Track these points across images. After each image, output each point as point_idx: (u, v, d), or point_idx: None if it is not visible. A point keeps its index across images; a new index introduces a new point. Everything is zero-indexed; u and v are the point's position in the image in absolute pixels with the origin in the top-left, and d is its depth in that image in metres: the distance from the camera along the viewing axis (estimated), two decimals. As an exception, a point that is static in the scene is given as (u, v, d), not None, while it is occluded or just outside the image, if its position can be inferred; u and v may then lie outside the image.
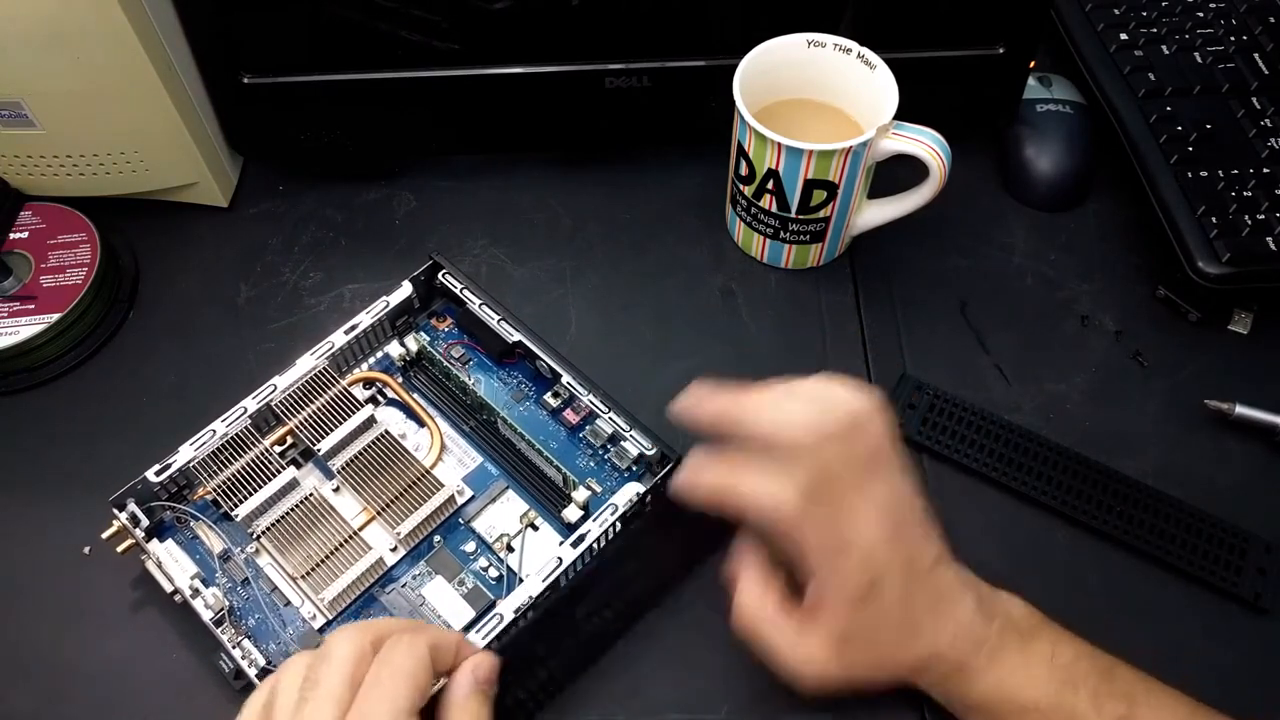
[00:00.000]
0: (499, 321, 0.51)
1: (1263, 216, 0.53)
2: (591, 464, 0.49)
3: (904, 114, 0.50)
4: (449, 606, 0.45)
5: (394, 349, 0.52)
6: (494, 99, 0.57)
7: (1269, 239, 0.52)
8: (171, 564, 0.45)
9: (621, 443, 0.48)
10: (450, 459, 0.49)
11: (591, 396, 0.48)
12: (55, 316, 0.52)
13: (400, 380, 0.52)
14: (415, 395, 0.51)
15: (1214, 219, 0.53)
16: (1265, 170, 0.55)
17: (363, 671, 0.35)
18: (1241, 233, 0.52)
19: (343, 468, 0.47)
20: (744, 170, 0.53)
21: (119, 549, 0.45)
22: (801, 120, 0.54)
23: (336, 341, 0.50)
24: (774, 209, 0.53)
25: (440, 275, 0.52)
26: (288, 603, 0.45)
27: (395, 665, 0.35)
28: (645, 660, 0.44)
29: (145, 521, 0.45)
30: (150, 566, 0.45)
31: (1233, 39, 0.61)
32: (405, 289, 0.52)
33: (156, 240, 0.58)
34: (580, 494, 0.47)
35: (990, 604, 0.40)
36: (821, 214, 0.53)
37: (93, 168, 0.55)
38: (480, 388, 0.51)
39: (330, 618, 0.44)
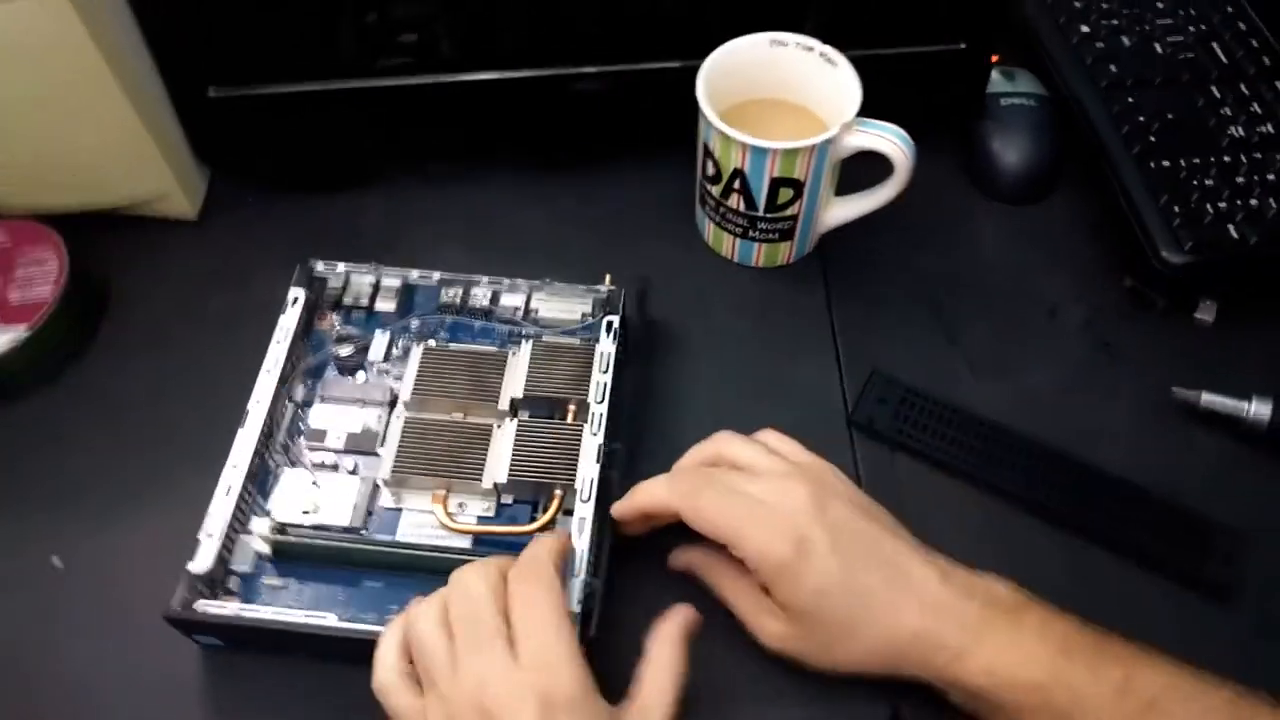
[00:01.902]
0: None
1: (1224, 205, 0.53)
2: None
3: (870, 111, 0.50)
4: None
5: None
6: (462, 106, 0.57)
7: (1230, 227, 0.53)
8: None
9: None
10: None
11: None
12: (23, 332, 0.52)
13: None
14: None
15: (1176, 208, 0.53)
16: (1225, 159, 0.55)
17: (504, 601, 0.37)
18: (1203, 221, 0.53)
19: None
20: (711, 170, 0.53)
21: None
22: (768, 120, 0.54)
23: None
24: (742, 208, 0.53)
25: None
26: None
27: (541, 587, 0.38)
28: (627, 655, 0.44)
29: None
30: None
31: (1192, 29, 0.62)
32: None
33: (126, 253, 0.58)
34: None
35: (967, 583, 0.40)
36: (789, 212, 0.53)
37: (59, 182, 0.54)
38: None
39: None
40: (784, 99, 0.55)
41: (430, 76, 0.55)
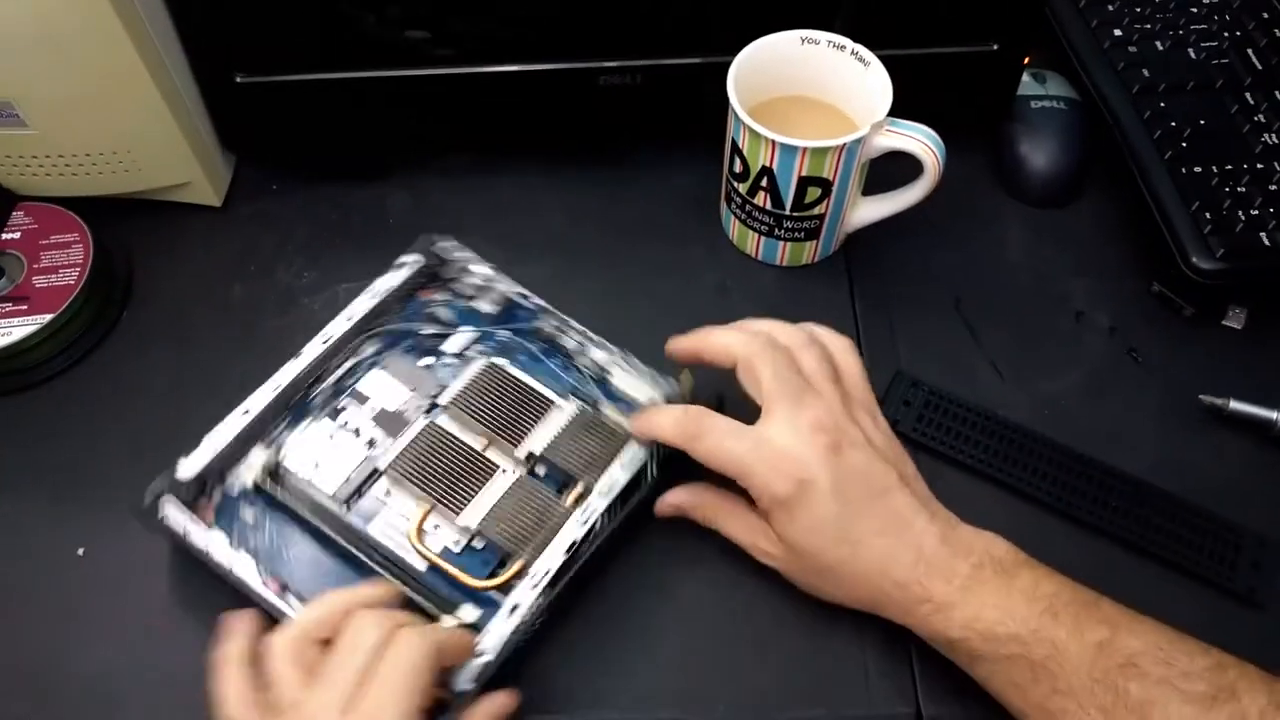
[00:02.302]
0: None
1: (1256, 212, 0.53)
2: None
3: (898, 111, 0.50)
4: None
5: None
6: (487, 97, 0.57)
7: (1262, 234, 0.52)
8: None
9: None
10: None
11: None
12: (48, 317, 0.52)
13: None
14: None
15: (1208, 214, 0.53)
16: (1259, 166, 0.55)
17: (374, 662, 0.36)
18: (1235, 228, 0.52)
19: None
20: (738, 167, 0.53)
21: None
22: (796, 117, 0.54)
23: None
24: (768, 206, 0.53)
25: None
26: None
27: (405, 665, 0.36)
28: (641, 657, 0.45)
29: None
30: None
31: (1226, 35, 0.61)
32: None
33: (150, 240, 0.58)
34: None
35: (968, 541, 0.41)
36: (816, 211, 0.53)
37: (85, 168, 0.54)
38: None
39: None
40: (813, 97, 0.55)
41: (455, 68, 0.55)
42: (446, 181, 0.61)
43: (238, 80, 0.54)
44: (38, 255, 0.54)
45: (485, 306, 0.52)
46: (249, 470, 0.46)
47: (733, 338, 0.44)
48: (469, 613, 0.43)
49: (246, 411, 0.47)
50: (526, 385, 0.49)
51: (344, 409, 0.49)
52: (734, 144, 0.52)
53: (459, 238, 0.58)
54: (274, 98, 0.55)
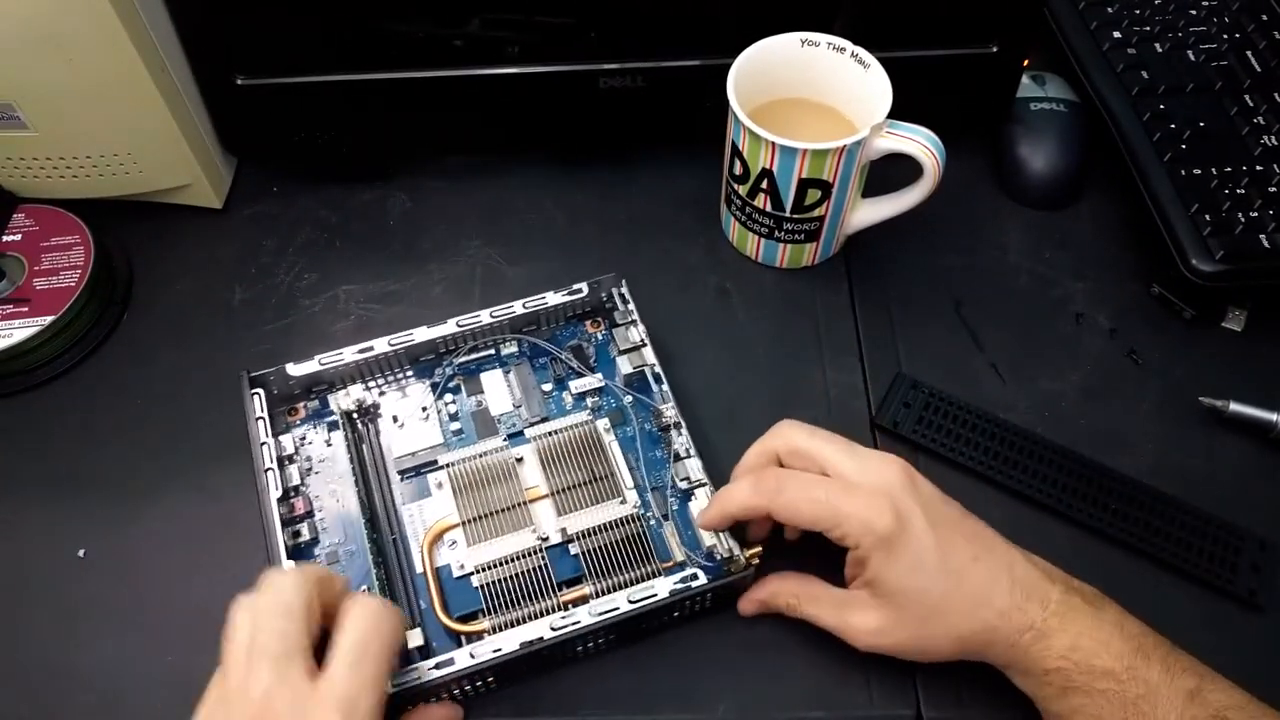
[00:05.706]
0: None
1: (1256, 214, 0.53)
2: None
3: (898, 113, 0.50)
4: None
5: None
6: (488, 99, 0.57)
7: (1262, 236, 0.52)
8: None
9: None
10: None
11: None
12: (49, 319, 0.52)
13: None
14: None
15: (1207, 217, 0.53)
16: (1258, 168, 0.55)
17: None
18: (1235, 230, 0.52)
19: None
20: (738, 170, 0.53)
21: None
22: (796, 120, 0.54)
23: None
24: (768, 208, 0.53)
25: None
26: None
27: (381, 633, 0.37)
28: (643, 658, 0.44)
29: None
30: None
31: (1225, 37, 0.61)
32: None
33: (150, 242, 0.58)
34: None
35: (1047, 567, 0.41)
36: (816, 213, 0.53)
37: (86, 170, 0.55)
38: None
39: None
40: (813, 99, 0.55)
41: (456, 70, 0.55)
42: (447, 183, 0.61)
43: (238, 82, 0.54)
44: (38, 257, 0.54)
45: (624, 365, 0.51)
46: (345, 398, 0.49)
47: (741, 492, 0.42)
48: (415, 637, 0.43)
49: (370, 349, 0.49)
50: (609, 463, 0.48)
51: (453, 389, 0.50)
52: (734, 146, 0.52)
53: (459, 239, 0.59)
54: (275, 100, 0.55)
